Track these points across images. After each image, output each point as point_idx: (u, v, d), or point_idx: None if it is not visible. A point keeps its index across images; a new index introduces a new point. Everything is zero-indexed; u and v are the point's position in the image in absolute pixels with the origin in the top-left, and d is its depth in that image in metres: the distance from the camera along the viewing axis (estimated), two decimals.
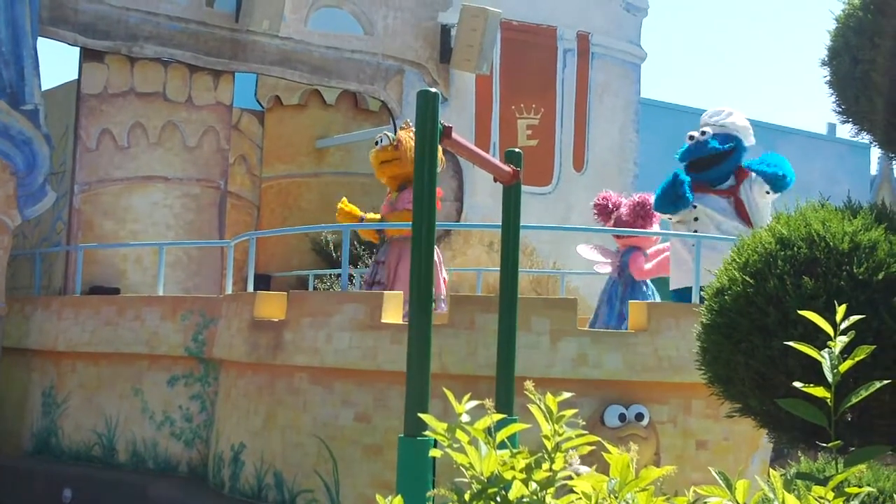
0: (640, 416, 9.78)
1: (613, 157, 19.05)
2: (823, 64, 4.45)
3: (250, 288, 12.33)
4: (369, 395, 10.09)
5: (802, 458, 4.01)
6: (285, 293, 11.27)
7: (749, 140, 11.40)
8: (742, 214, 11.11)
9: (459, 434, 2.16)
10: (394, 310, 10.19)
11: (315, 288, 16.83)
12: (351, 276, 16.55)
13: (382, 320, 10.05)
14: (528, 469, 2.04)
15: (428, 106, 5.79)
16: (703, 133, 11.19)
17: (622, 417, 9.73)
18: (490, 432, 2.15)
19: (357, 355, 10.12)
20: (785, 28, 67.53)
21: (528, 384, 2.36)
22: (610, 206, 12.97)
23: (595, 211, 13.15)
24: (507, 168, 7.44)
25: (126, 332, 13.21)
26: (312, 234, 18.56)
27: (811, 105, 62.19)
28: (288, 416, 10.65)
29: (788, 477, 2.27)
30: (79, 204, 15.29)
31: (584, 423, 2.62)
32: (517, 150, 7.77)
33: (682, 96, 70.53)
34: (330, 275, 17.24)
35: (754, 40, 69.21)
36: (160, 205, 15.73)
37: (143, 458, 12.87)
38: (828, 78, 4.45)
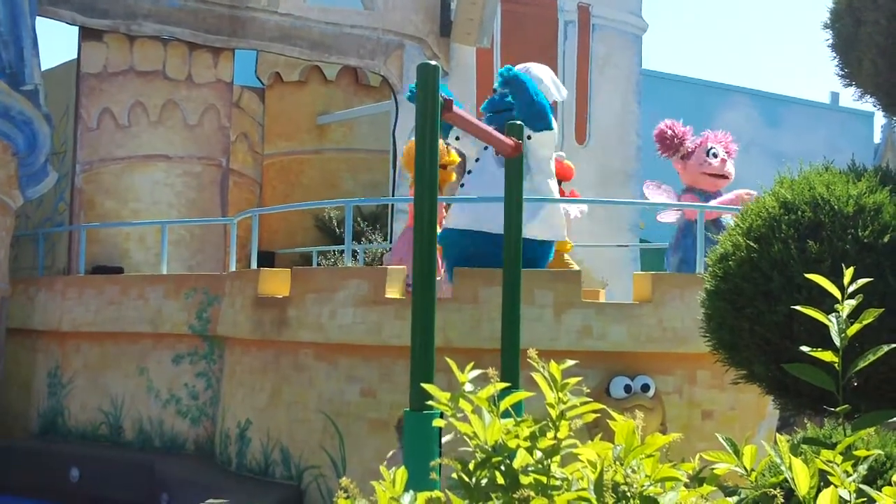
0: (645, 387, 9.77)
1: (616, 128, 19.00)
2: (826, 27, 4.39)
3: (254, 265, 12.32)
4: (374, 370, 10.09)
5: (809, 424, 3.99)
6: (289, 270, 11.26)
7: (551, 95, 10.83)
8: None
9: (463, 404, 2.15)
10: (397, 285, 10.18)
11: (319, 264, 16.83)
12: (355, 252, 16.55)
13: (386, 295, 10.04)
14: (533, 437, 2.02)
15: (428, 79, 5.76)
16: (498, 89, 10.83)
17: (628, 388, 9.73)
18: (494, 401, 2.14)
19: (361, 330, 10.12)
20: None
21: (532, 352, 2.35)
22: (675, 138, 12.13)
23: (658, 142, 12.28)
24: (508, 140, 7.42)
25: (130, 311, 13.22)
26: (315, 211, 18.55)
27: (814, 74, 61.92)
28: (293, 393, 10.66)
29: (795, 442, 2.26)
30: (80, 183, 15.27)
31: (588, 391, 2.60)
32: (518, 122, 7.74)
33: (683, 67, 70.29)
34: (333, 251, 17.24)
35: (756, 9, 68.94)
36: (162, 183, 15.70)
37: (150, 437, 12.90)
38: (830, 41, 4.39)
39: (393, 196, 16.47)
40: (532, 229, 9.76)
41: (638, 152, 18.88)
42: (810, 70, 64.34)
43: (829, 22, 4.38)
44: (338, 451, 10.20)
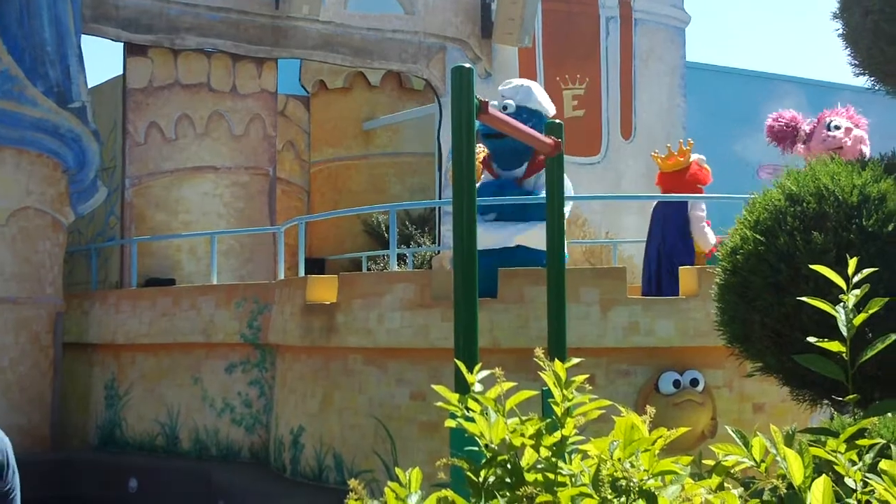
0: (694, 382, 9.73)
1: (661, 122, 18.92)
2: (835, 17, 4.40)
3: (301, 272, 12.42)
4: (423, 372, 10.13)
5: (835, 414, 3.98)
6: (336, 276, 11.34)
7: (550, 114, 10.61)
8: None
9: (472, 404, 2.18)
10: (443, 286, 10.20)
11: (369, 269, 16.91)
12: (404, 256, 16.61)
13: (432, 298, 10.07)
14: (538, 435, 2.05)
15: (463, 82, 5.78)
16: (506, 108, 10.25)
17: (677, 384, 9.69)
18: (500, 401, 2.17)
19: (409, 334, 10.17)
20: None
21: (538, 351, 2.37)
22: (787, 127, 10.86)
23: (772, 139, 10.98)
24: (547, 140, 7.42)
25: (183, 322, 13.37)
26: (364, 216, 18.64)
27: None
28: (344, 398, 10.73)
29: (789, 432, 2.27)
30: (130, 198, 15.46)
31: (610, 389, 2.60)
32: (558, 121, 7.75)
33: (729, 57, 69.74)
34: (383, 255, 17.31)
35: None
36: (210, 194, 15.86)
37: (206, 446, 13.04)
38: (840, 31, 4.40)
39: (439, 199, 16.51)
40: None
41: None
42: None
43: (837, 12, 4.39)
44: (390, 454, 10.26)
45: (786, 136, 10.90)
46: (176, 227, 15.59)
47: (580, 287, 9.70)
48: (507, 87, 11.04)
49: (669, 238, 11.79)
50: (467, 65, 6.02)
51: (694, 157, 12.33)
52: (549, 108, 10.97)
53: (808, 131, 10.87)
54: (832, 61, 63.64)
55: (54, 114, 14.20)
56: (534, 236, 9.97)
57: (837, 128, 11.03)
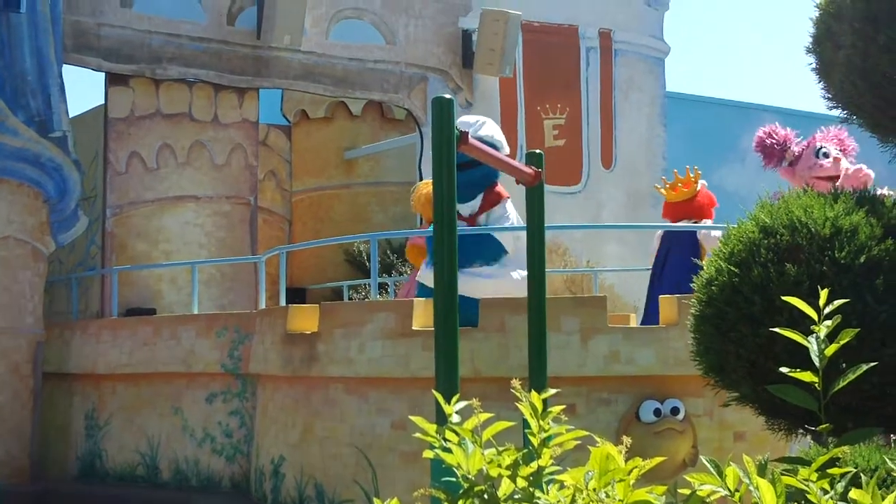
0: (675, 410, 9.75)
1: (641, 152, 19.02)
2: (808, 52, 4.49)
3: (282, 302, 12.41)
4: (404, 402, 10.13)
5: (813, 443, 4.02)
6: (317, 305, 11.35)
7: (505, 151, 10.66)
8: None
9: (450, 435, 2.21)
10: (424, 316, 10.22)
11: (350, 298, 16.91)
12: (385, 285, 16.62)
13: (413, 327, 10.08)
14: (515, 465, 2.07)
15: (443, 112, 5.82)
16: None
17: (657, 412, 9.71)
18: (478, 432, 2.19)
19: (390, 363, 10.17)
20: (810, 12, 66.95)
21: (515, 382, 2.39)
22: (777, 144, 10.73)
23: (760, 152, 10.90)
24: (528, 170, 7.46)
25: (163, 351, 13.33)
26: (345, 246, 18.64)
27: None
28: (325, 428, 10.71)
29: (762, 461, 2.30)
30: (111, 227, 15.44)
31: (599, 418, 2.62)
32: (538, 151, 7.80)
33: (709, 88, 70.20)
34: (365, 285, 17.31)
35: (779, 26, 68.79)
36: (191, 224, 15.84)
37: (187, 476, 12.98)
38: (813, 65, 4.48)
39: (420, 228, 16.53)
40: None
41: (665, 175, 18.89)
42: None
43: (811, 47, 4.47)
44: (371, 484, 10.24)
45: (773, 153, 10.84)
46: (157, 257, 15.57)
47: (561, 316, 9.73)
48: (462, 119, 11.13)
49: (679, 265, 11.73)
50: (448, 95, 6.07)
51: (700, 183, 12.22)
52: (505, 146, 10.85)
53: (796, 153, 10.78)
54: (811, 92, 64.03)
55: (35, 143, 14.20)
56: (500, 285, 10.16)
57: (826, 156, 10.89)
